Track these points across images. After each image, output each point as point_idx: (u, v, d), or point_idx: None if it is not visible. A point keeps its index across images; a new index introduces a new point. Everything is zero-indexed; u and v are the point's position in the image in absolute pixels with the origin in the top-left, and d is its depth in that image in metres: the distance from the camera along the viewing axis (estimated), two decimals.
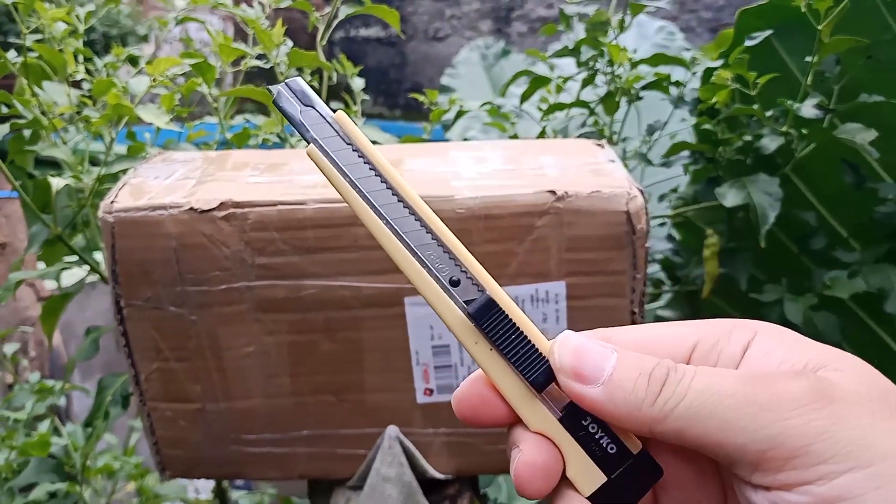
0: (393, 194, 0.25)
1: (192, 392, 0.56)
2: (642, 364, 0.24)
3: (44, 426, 1.06)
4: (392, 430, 0.57)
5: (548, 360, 0.25)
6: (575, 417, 0.25)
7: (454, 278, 0.25)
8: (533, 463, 0.25)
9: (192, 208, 0.51)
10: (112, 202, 0.52)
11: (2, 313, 1.34)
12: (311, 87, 0.27)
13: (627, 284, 0.53)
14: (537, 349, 0.25)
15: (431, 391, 0.56)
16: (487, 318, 0.24)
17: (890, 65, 0.65)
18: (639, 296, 0.53)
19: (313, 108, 0.25)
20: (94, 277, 0.74)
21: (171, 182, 0.55)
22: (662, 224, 0.92)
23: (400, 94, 6.68)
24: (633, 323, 0.54)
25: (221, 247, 0.52)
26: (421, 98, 0.85)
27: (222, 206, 0.51)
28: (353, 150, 0.25)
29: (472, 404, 0.26)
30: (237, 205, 0.52)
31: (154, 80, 0.61)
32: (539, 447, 0.25)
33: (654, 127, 0.81)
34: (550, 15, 6.17)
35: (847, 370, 0.24)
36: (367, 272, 0.53)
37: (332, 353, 0.55)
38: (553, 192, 0.51)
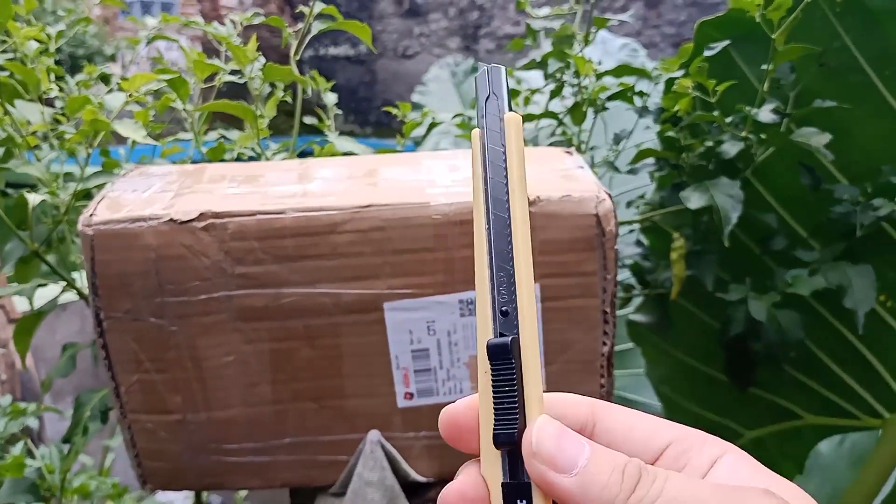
0: (507, 207, 0.26)
1: (173, 403, 0.57)
2: (615, 459, 0.24)
3: (17, 449, 1.05)
4: (374, 435, 0.57)
5: (517, 428, 0.25)
6: (514, 493, 0.25)
7: (504, 309, 0.26)
8: (462, 494, 0.26)
9: (171, 219, 0.52)
10: (91, 215, 0.53)
11: None
12: (509, 78, 0.28)
13: (598, 285, 0.55)
14: (516, 414, 0.25)
15: (412, 395, 0.57)
16: (499, 358, 0.25)
17: (841, 71, 0.68)
18: (610, 296, 0.55)
19: (498, 99, 0.26)
20: (67, 297, 0.74)
21: (149, 195, 0.56)
22: (632, 231, 0.94)
23: (370, 111, 6.71)
24: (605, 322, 0.56)
25: (201, 257, 0.53)
26: (394, 111, 0.87)
27: (202, 216, 0.52)
28: (503, 153, 0.26)
29: (455, 421, 0.27)
30: (216, 215, 0.53)
31: (130, 95, 0.61)
32: (476, 486, 0.26)
33: (620, 136, 0.84)
34: (517, 32, 6.26)
35: (799, 500, 0.25)
36: (347, 279, 0.54)
37: (312, 359, 0.56)
38: None
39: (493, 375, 0.25)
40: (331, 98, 0.93)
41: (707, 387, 0.90)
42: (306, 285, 0.54)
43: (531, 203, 0.53)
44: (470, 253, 0.53)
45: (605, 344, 0.56)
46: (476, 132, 0.27)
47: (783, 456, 0.88)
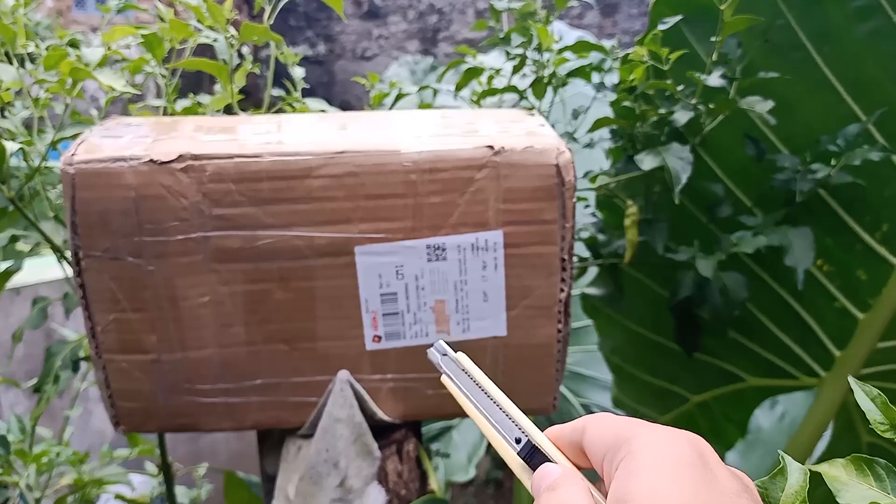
0: (492, 401, 0.35)
1: (148, 342, 0.58)
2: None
3: None
4: (343, 374, 0.60)
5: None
6: None
7: (517, 437, 0.33)
8: None
9: (151, 160, 0.54)
10: (72, 154, 0.54)
11: None
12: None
13: (558, 233, 0.58)
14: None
15: (380, 338, 0.60)
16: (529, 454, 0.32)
17: (783, 48, 0.73)
18: (568, 244, 0.59)
19: (447, 355, 0.38)
20: (21, 279, 0.75)
21: (128, 140, 0.58)
22: (587, 206, 0.98)
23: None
24: (563, 269, 0.59)
25: (180, 198, 0.55)
26: (363, 81, 0.90)
27: (181, 158, 0.54)
28: (468, 377, 0.37)
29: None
30: (195, 157, 0.55)
31: (108, 48, 0.63)
32: None
33: (578, 111, 0.88)
34: (476, 36, 6.33)
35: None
36: (320, 223, 0.57)
37: (285, 301, 0.58)
38: (491, 147, 0.56)
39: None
40: (298, 72, 0.95)
41: (656, 355, 0.95)
42: (281, 228, 0.56)
43: (496, 153, 0.56)
44: (438, 199, 0.57)
45: (562, 290, 0.60)
46: (444, 378, 0.37)
47: (727, 419, 0.93)
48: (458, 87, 0.94)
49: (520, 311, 0.60)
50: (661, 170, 0.74)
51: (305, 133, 0.60)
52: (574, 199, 0.58)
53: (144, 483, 1.33)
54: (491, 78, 0.95)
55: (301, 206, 0.56)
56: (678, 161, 0.67)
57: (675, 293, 0.80)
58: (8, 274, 0.78)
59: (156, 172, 0.54)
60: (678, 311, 0.84)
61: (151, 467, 1.15)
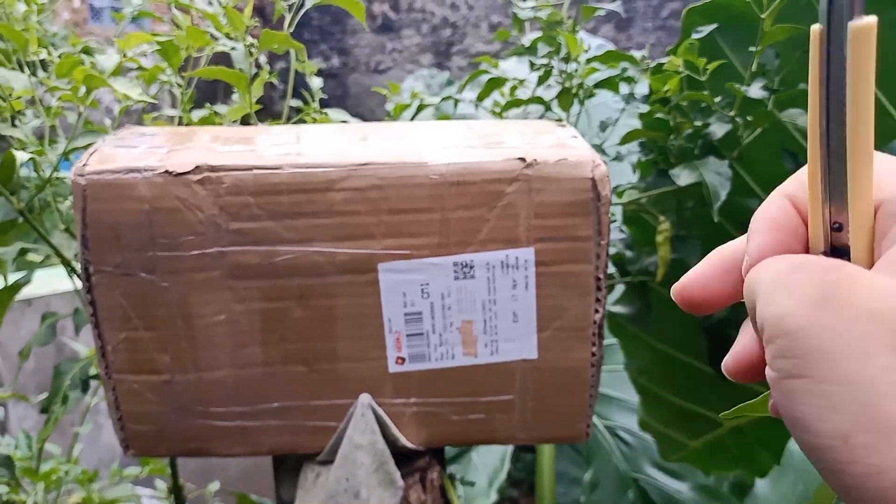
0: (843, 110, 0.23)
1: (161, 363, 0.56)
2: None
3: None
4: (365, 398, 0.57)
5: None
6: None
7: (837, 223, 0.25)
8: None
9: (166, 171, 0.52)
10: (84, 165, 0.52)
11: None
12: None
13: (592, 251, 0.55)
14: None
15: (403, 360, 0.57)
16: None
17: None
18: (603, 262, 0.56)
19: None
20: (31, 291, 0.73)
21: (142, 150, 0.55)
22: (613, 221, 0.95)
23: None
24: (598, 289, 0.56)
25: (195, 211, 0.52)
26: (383, 92, 0.87)
27: (197, 169, 0.52)
28: (844, 66, 0.22)
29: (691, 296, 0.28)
30: (212, 168, 0.52)
31: (124, 55, 0.61)
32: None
33: (606, 123, 0.85)
34: (489, 50, 6.33)
35: None
36: (341, 238, 0.54)
37: (305, 320, 0.55)
38: (522, 160, 0.53)
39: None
40: (316, 82, 0.93)
41: (685, 376, 0.91)
42: (301, 243, 0.54)
43: (528, 165, 0.53)
44: (466, 213, 0.54)
45: (597, 311, 0.57)
46: (815, 29, 0.23)
47: (761, 445, 0.89)
48: (480, 98, 0.91)
49: (551, 333, 0.57)
50: (695, 185, 0.70)
51: (326, 144, 0.58)
52: (609, 215, 0.55)
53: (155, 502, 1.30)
54: (514, 88, 0.93)
55: (322, 220, 0.53)
56: (716, 176, 0.64)
57: (708, 315, 0.77)
58: (17, 287, 0.76)
59: (170, 184, 0.52)
60: (711, 331, 0.80)
61: (162, 485, 1.12)
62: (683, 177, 0.65)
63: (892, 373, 0.20)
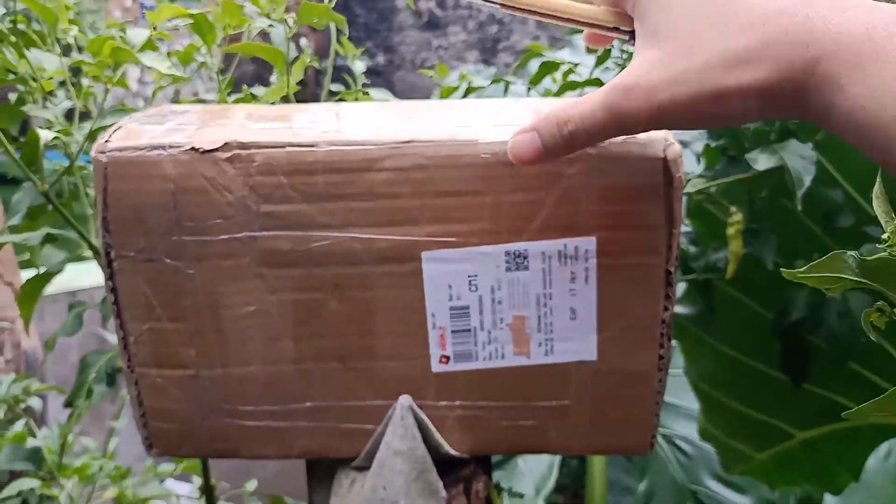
0: None
1: (186, 356, 0.51)
2: None
3: (18, 427, 1.00)
4: (405, 400, 0.52)
5: None
6: None
7: None
8: None
9: (193, 148, 0.47)
10: (106, 142, 0.48)
11: None
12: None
13: (663, 240, 0.49)
14: None
15: (448, 359, 0.52)
16: None
17: None
18: (675, 254, 0.50)
19: None
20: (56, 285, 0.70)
21: (171, 127, 0.51)
22: None
23: None
24: (668, 284, 0.50)
25: (224, 192, 0.48)
26: (429, 73, 0.82)
27: (226, 146, 0.47)
28: None
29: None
30: (242, 145, 0.48)
31: (154, 29, 0.57)
32: None
33: None
34: None
35: None
36: (382, 223, 0.49)
37: (340, 313, 0.51)
38: None
39: None
40: (359, 66, 0.88)
41: (753, 382, 0.84)
42: (337, 228, 0.49)
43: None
44: (520, 197, 0.48)
45: (666, 309, 0.51)
46: None
47: (839, 461, 0.81)
48: (533, 82, 0.85)
49: (614, 333, 0.51)
50: (770, 173, 0.64)
51: (367, 121, 0.53)
52: (682, 201, 0.49)
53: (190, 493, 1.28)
54: (567, 73, 0.87)
55: (360, 203, 0.48)
56: (800, 160, 0.57)
57: (785, 315, 0.70)
58: (48, 276, 0.73)
59: (197, 162, 0.47)
60: (785, 334, 0.73)
61: (199, 482, 1.09)
62: (762, 161, 0.59)
63: None
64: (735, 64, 0.30)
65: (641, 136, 0.48)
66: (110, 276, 0.50)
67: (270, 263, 0.49)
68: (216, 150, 0.47)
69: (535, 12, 0.42)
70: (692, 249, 0.84)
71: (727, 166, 0.72)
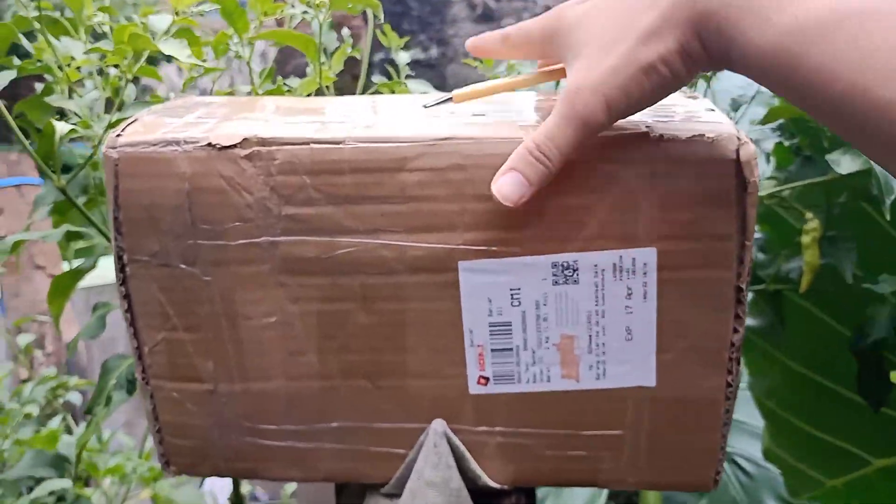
0: None
1: (203, 369, 0.47)
2: None
3: (54, 423, 0.98)
4: (438, 425, 0.47)
5: None
6: None
7: None
8: None
9: (209, 144, 0.43)
10: (118, 136, 0.44)
11: (19, 305, 1.28)
12: None
13: (733, 253, 0.43)
14: None
15: (487, 380, 0.47)
16: None
17: None
18: (746, 268, 0.43)
19: None
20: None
21: (191, 119, 0.47)
22: None
23: None
24: (739, 302, 0.44)
25: (243, 192, 0.44)
26: (474, 64, 0.77)
27: (245, 142, 0.43)
28: None
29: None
30: (263, 142, 0.43)
31: (177, 14, 0.53)
32: None
33: (739, 102, 0.72)
34: None
35: None
36: (415, 229, 0.44)
37: (369, 327, 0.46)
38: (645, 134, 0.42)
39: None
40: (403, 57, 0.83)
41: (825, 403, 0.77)
42: (365, 234, 0.44)
43: (652, 142, 0.42)
44: (570, 201, 0.42)
45: (736, 330, 0.45)
46: None
47: None
48: None
49: (675, 355, 0.45)
50: (852, 177, 0.57)
51: (403, 116, 0.48)
52: (756, 208, 0.43)
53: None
54: None
55: (391, 206, 0.43)
56: None
57: (864, 332, 0.63)
58: (80, 272, 0.70)
59: (214, 160, 0.43)
60: (864, 354, 0.66)
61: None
62: (845, 164, 0.52)
63: None
64: (648, 39, 0.35)
65: (710, 133, 0.42)
66: (123, 282, 0.46)
67: (292, 271, 0.45)
68: (234, 146, 0.43)
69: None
70: (761, 257, 0.77)
71: (802, 168, 0.65)
